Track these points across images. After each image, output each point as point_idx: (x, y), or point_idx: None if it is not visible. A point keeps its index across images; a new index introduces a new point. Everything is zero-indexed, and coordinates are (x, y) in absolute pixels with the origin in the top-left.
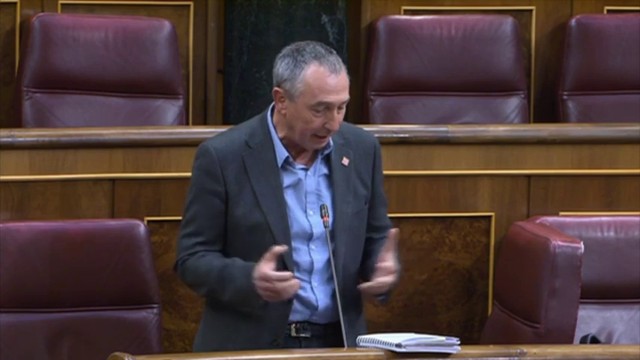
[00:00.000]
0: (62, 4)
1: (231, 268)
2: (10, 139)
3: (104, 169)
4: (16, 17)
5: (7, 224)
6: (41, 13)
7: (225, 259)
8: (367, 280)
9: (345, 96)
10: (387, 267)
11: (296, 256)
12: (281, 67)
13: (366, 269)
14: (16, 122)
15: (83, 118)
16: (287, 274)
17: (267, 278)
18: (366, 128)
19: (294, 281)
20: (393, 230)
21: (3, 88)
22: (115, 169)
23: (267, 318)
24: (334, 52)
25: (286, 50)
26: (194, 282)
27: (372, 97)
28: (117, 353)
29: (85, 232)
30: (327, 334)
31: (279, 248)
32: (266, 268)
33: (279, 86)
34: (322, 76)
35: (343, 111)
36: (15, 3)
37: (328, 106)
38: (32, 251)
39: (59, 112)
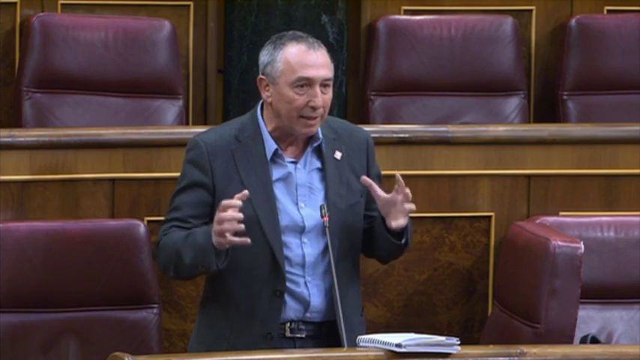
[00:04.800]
0: (62, 4)
1: (194, 233)
2: (10, 139)
3: (104, 169)
4: (16, 17)
5: (7, 224)
6: (41, 13)
7: (195, 228)
8: (378, 245)
9: (326, 73)
10: (396, 190)
11: (287, 251)
12: (262, 54)
13: (373, 241)
14: (16, 122)
15: (83, 118)
16: (242, 194)
17: (223, 206)
18: (366, 128)
19: (237, 215)
20: (365, 178)
21: (3, 88)
22: (115, 169)
23: (259, 312)
24: (317, 39)
25: (269, 40)
26: (165, 260)
27: (372, 97)
28: (117, 353)
29: (85, 232)
30: (323, 333)
31: (244, 193)
32: (231, 200)
33: (262, 74)
34: (300, 52)
35: (329, 92)
36: (15, 3)
37: (309, 83)
38: (32, 251)
39: (59, 112)
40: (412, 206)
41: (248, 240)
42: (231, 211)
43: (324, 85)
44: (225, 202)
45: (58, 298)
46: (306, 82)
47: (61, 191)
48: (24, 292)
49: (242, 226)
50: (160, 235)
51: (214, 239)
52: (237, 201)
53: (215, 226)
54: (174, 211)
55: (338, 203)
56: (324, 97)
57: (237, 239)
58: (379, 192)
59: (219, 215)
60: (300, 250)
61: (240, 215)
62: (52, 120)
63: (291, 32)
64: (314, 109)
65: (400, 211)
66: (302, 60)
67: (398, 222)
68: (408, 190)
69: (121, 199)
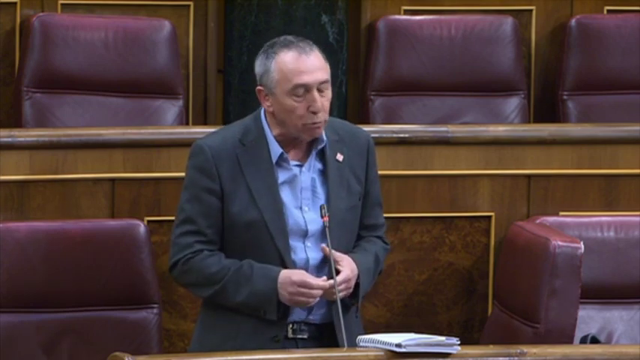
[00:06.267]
0: (62, 4)
1: (248, 270)
2: (10, 139)
3: (104, 169)
4: (16, 17)
5: (7, 224)
6: (41, 13)
7: (236, 261)
8: None
9: (321, 75)
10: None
11: (292, 254)
12: (257, 65)
13: None
14: (16, 122)
15: (83, 118)
16: (328, 283)
17: (308, 285)
18: (366, 128)
19: (328, 284)
20: (324, 247)
21: (3, 88)
22: (115, 169)
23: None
24: (308, 40)
25: (261, 49)
26: (199, 282)
27: (372, 97)
28: (117, 353)
29: (85, 232)
30: (323, 334)
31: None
32: (305, 275)
33: (259, 84)
34: (292, 59)
35: (328, 93)
36: (15, 3)
37: (306, 88)
38: (32, 251)
39: (59, 112)
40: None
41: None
42: (319, 291)
43: (320, 88)
44: (314, 282)
45: (58, 298)
46: (303, 89)
47: (61, 191)
48: (24, 292)
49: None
50: (183, 251)
51: (287, 299)
52: (329, 283)
53: (297, 298)
54: (188, 224)
55: (338, 204)
56: (322, 100)
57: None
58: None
59: (310, 292)
60: (304, 254)
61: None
62: (52, 120)
63: (282, 38)
64: (315, 113)
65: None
66: (295, 67)
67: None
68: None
69: (121, 199)
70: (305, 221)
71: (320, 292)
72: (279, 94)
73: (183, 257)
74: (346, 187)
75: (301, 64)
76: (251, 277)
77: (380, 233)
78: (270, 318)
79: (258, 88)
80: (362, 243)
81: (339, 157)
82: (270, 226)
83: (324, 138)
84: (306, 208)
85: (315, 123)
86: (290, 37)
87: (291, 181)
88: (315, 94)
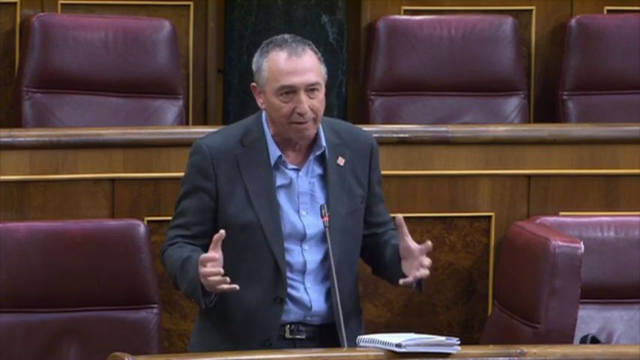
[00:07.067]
0: (62, 4)
1: (190, 260)
2: (10, 139)
3: (104, 169)
4: (16, 17)
5: (7, 224)
6: (41, 13)
7: (193, 252)
8: (389, 274)
9: (310, 78)
10: (421, 249)
11: (289, 257)
12: (253, 62)
13: (383, 264)
14: (16, 122)
15: (83, 118)
16: (216, 269)
17: (202, 261)
18: (366, 128)
19: (218, 278)
20: (399, 216)
21: (3, 88)
22: (115, 169)
23: (259, 318)
24: (305, 40)
25: (260, 46)
26: (169, 273)
27: (372, 97)
28: (117, 353)
29: (85, 232)
30: (323, 335)
31: (220, 233)
32: (210, 253)
33: (254, 81)
34: (281, 59)
35: (318, 95)
36: (15, 3)
37: (293, 90)
38: (32, 251)
39: (59, 112)
40: (426, 272)
41: (236, 287)
42: (210, 266)
43: (310, 89)
44: (203, 256)
45: (58, 298)
46: (290, 90)
47: (61, 191)
48: (24, 292)
49: (227, 279)
50: (165, 242)
51: (204, 283)
52: (215, 254)
53: (200, 278)
54: (178, 217)
55: (339, 209)
56: (311, 102)
57: (226, 286)
58: (405, 236)
59: (201, 270)
60: (301, 257)
61: (220, 270)
62: (52, 120)
63: (280, 37)
64: (301, 115)
65: (415, 267)
66: (284, 68)
67: (409, 277)
68: (426, 261)
69: (121, 199)
70: (303, 225)
71: (211, 268)
72: (268, 93)
73: (163, 248)
74: (347, 192)
75: (290, 65)
76: (189, 267)
77: (392, 226)
78: (201, 306)
79: (252, 84)
80: (392, 240)
81: (341, 161)
82: (265, 229)
83: (323, 144)
84: (304, 213)
85: (300, 122)
86: (287, 36)
87: (288, 186)
88: (302, 96)
